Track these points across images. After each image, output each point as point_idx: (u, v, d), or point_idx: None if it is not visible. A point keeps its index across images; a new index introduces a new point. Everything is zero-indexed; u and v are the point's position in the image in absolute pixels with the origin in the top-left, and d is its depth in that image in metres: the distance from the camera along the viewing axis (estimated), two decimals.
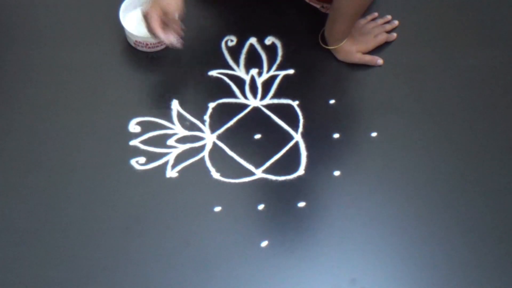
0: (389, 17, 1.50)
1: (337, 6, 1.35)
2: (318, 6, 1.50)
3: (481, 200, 1.34)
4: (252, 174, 1.33)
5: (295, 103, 1.41)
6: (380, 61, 1.46)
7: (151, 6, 1.28)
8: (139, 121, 1.37)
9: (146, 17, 1.29)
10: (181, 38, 1.29)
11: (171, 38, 1.29)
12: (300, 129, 1.39)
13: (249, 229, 1.29)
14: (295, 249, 1.28)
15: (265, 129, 1.38)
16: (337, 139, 1.38)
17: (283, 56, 1.46)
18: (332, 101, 1.42)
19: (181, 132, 1.37)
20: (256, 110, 1.40)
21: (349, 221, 1.30)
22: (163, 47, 1.43)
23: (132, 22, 1.42)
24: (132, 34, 1.40)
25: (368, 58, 1.45)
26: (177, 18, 1.28)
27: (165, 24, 1.28)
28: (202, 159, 1.34)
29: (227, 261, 1.25)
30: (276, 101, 1.41)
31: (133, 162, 1.33)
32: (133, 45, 1.43)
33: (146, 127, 1.37)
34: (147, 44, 1.41)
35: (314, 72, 1.45)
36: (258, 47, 1.46)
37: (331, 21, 1.40)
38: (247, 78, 1.43)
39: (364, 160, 1.37)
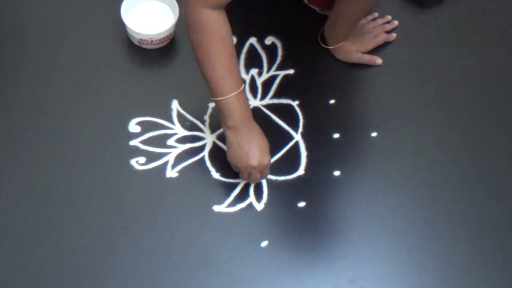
0: (389, 17, 1.50)
1: (338, 9, 1.35)
2: (317, 9, 1.49)
3: (481, 199, 1.34)
4: None
5: (295, 103, 1.41)
6: (379, 60, 1.46)
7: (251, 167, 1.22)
8: (139, 121, 1.37)
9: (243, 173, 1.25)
10: None
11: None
12: (300, 129, 1.39)
13: (249, 229, 1.29)
14: (295, 249, 1.28)
15: (265, 129, 1.37)
16: (337, 139, 1.38)
17: (283, 56, 1.46)
18: (332, 101, 1.42)
19: (181, 132, 1.37)
20: (256, 110, 1.40)
21: (349, 221, 1.30)
22: (167, 41, 1.43)
23: (135, 20, 1.41)
24: (136, 33, 1.38)
25: (367, 58, 1.45)
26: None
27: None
28: (202, 159, 1.34)
29: (227, 261, 1.25)
30: (276, 101, 1.41)
31: (133, 162, 1.33)
32: (137, 43, 1.42)
33: (146, 127, 1.36)
34: (152, 41, 1.40)
35: (314, 72, 1.45)
36: (258, 47, 1.46)
37: (331, 22, 1.40)
38: (247, 78, 1.43)
39: (364, 160, 1.37)
